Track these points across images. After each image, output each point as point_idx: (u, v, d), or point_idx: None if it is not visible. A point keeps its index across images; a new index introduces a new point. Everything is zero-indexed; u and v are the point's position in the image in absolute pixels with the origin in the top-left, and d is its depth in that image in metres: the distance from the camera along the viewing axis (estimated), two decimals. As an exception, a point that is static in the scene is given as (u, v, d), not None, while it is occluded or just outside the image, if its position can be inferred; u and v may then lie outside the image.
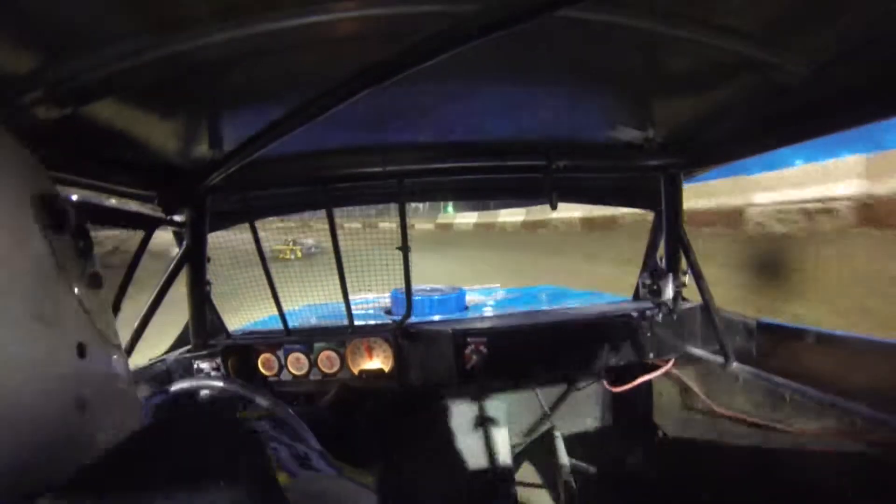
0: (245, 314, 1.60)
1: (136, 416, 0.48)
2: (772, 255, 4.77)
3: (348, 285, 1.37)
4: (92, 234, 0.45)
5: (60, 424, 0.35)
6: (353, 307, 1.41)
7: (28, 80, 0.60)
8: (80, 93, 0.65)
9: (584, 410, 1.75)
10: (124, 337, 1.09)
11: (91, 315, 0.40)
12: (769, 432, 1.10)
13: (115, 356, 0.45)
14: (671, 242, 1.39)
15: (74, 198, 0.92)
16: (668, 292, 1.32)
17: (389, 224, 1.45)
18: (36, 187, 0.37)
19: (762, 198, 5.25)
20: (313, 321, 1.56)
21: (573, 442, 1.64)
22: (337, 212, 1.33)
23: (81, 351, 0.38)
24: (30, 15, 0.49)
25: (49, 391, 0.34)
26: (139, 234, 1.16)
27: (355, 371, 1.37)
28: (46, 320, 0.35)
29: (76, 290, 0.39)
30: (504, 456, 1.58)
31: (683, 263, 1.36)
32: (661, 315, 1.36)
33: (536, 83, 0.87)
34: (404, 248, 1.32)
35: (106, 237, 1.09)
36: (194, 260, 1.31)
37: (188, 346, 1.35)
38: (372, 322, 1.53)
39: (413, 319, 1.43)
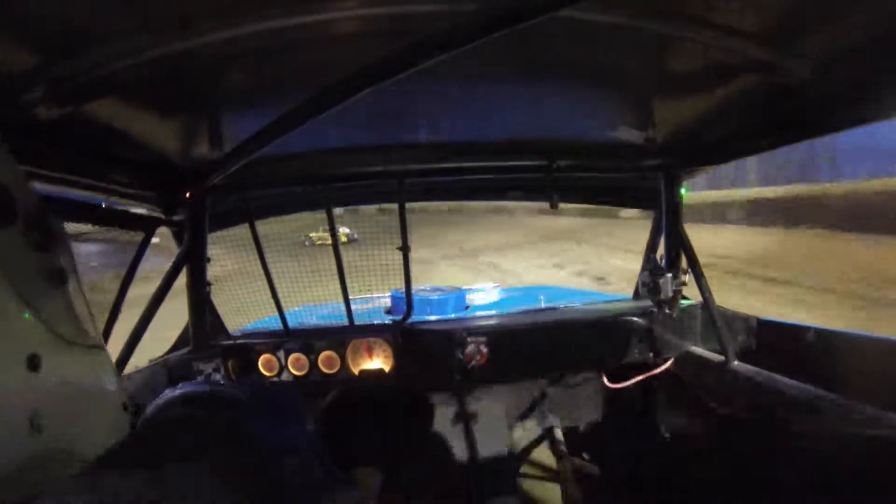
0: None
1: (121, 421, 0.42)
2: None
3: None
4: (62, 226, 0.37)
5: (12, 450, 0.30)
6: (352, 307, 1.41)
7: (28, 79, 0.60)
8: (80, 92, 0.65)
9: (584, 410, 1.75)
10: (123, 338, 1.10)
11: (49, 319, 0.34)
12: (769, 431, 1.10)
13: (87, 360, 0.38)
14: (671, 241, 1.39)
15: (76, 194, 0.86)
16: (668, 291, 1.32)
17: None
18: None
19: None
20: (313, 321, 1.56)
21: (573, 441, 1.64)
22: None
23: (33, 363, 0.33)
24: (30, 14, 0.49)
25: None
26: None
27: (355, 371, 1.37)
28: None
29: (27, 291, 0.33)
30: (504, 455, 1.58)
31: (683, 262, 1.37)
32: (660, 314, 1.35)
33: (537, 83, 0.87)
34: (404, 249, 1.32)
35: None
36: (194, 260, 1.31)
37: (188, 347, 1.35)
38: (372, 322, 1.53)
39: (413, 319, 1.43)
